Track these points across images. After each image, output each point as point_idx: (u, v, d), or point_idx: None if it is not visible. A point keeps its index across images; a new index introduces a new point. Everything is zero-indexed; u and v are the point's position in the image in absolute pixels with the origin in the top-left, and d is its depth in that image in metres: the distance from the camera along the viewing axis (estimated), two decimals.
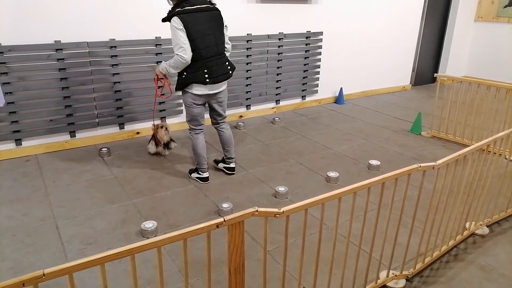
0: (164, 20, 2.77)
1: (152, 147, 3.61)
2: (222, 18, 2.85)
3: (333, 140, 4.15)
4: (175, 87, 2.93)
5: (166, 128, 3.59)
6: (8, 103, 3.35)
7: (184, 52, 2.68)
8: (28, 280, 1.05)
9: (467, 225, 2.51)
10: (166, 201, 2.87)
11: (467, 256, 2.33)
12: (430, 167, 1.87)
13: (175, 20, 2.66)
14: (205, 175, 3.14)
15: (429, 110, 5.26)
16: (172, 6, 2.77)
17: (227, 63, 2.92)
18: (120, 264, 2.15)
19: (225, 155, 3.24)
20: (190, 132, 3.07)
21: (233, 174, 3.28)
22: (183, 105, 3.12)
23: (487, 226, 2.60)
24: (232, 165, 3.27)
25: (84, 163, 3.46)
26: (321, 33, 5.15)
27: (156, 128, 3.57)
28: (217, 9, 2.83)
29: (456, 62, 7.06)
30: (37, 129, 3.58)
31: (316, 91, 5.43)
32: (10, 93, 3.36)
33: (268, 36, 4.70)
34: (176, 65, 2.75)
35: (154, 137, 3.60)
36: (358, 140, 4.19)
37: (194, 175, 3.19)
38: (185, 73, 2.80)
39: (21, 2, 3.27)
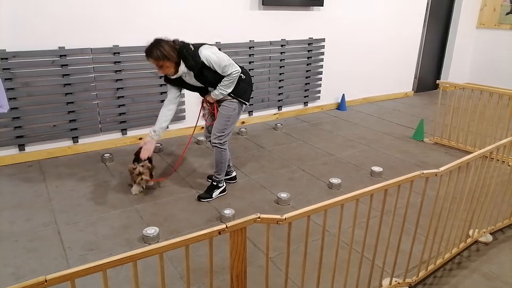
0: (195, 66, 2.63)
1: (135, 188, 3.02)
2: None
3: (335, 147, 4.15)
4: (244, 99, 2.85)
5: (147, 179, 2.94)
6: (12, 108, 3.37)
7: (234, 66, 2.71)
8: (30, 286, 1.05)
9: (471, 232, 2.49)
10: (168, 207, 2.87)
11: (470, 264, 2.32)
12: (433, 174, 1.87)
13: (210, 45, 2.73)
14: (224, 184, 3.08)
15: (431, 116, 5.26)
16: (181, 51, 2.62)
17: None
18: (122, 270, 2.14)
19: (228, 165, 3.17)
20: (222, 145, 2.87)
21: (236, 181, 3.28)
22: (227, 118, 2.82)
23: (491, 234, 2.59)
24: (234, 173, 3.26)
25: (87, 169, 3.46)
26: (323, 40, 5.17)
27: (133, 173, 2.93)
28: None
29: (458, 69, 7.06)
30: (40, 134, 3.59)
31: (318, 97, 5.44)
32: (14, 98, 3.38)
33: (271, 43, 4.72)
34: (232, 80, 2.72)
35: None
36: (360, 146, 4.18)
37: (217, 192, 2.99)
38: (244, 77, 2.83)
39: (26, 9, 3.30)
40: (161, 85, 4.07)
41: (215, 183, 3.00)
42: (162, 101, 4.10)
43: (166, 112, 2.86)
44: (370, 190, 1.68)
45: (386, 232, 1.93)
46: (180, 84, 2.82)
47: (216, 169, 2.97)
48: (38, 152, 3.63)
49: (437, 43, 6.80)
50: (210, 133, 2.97)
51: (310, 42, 5.06)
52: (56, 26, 3.46)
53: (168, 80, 2.81)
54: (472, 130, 4.04)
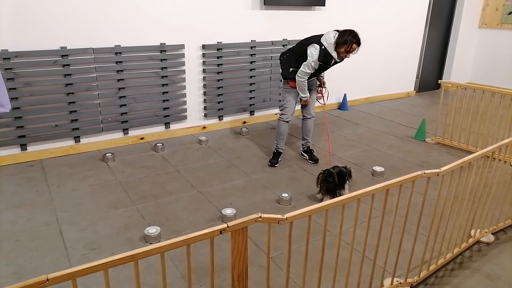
0: None
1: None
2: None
3: (337, 146, 4.15)
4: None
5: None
6: (13, 108, 3.37)
7: None
8: (31, 285, 1.05)
9: (472, 232, 2.49)
10: (169, 207, 2.87)
11: (472, 264, 2.31)
12: (434, 173, 1.86)
13: None
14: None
15: (433, 116, 5.25)
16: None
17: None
18: (123, 269, 2.15)
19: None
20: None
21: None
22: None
23: (493, 234, 2.58)
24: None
25: (88, 168, 3.47)
26: None
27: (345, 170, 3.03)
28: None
29: (460, 69, 7.04)
30: (42, 134, 3.60)
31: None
32: (16, 98, 3.39)
33: (272, 43, 4.71)
34: None
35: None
36: (362, 146, 4.18)
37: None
38: None
39: (28, 9, 3.31)
40: (162, 85, 4.08)
41: (311, 148, 3.78)
42: (164, 100, 4.14)
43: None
44: (371, 190, 1.68)
45: (388, 232, 1.93)
46: (321, 68, 3.51)
47: (311, 136, 3.75)
48: (40, 151, 3.64)
49: (439, 42, 6.78)
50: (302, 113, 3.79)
51: None
52: (58, 26, 3.46)
53: (324, 62, 3.45)
54: (474, 130, 4.03)
